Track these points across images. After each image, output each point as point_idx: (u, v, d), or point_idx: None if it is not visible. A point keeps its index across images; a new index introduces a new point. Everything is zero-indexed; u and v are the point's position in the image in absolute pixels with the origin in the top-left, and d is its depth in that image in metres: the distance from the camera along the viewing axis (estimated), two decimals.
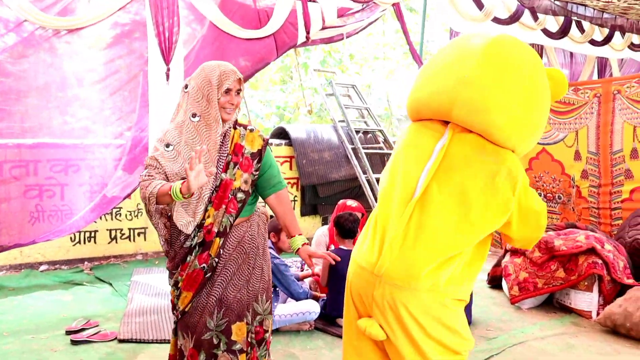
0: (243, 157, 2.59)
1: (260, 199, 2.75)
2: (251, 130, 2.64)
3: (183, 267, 2.59)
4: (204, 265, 2.57)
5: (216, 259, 2.57)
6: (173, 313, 2.69)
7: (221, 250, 2.57)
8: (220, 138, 2.55)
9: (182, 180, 2.32)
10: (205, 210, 2.53)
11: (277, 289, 4.01)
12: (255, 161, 2.60)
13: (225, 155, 2.57)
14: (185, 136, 2.51)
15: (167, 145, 2.51)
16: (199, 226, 2.55)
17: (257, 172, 2.61)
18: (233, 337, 2.59)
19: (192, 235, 2.55)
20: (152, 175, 2.47)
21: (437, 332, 1.99)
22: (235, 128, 2.62)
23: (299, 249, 2.61)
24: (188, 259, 2.57)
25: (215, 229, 2.55)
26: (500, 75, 2.01)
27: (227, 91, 2.52)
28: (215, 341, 2.57)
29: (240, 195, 2.58)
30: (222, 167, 2.55)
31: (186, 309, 2.61)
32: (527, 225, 2.09)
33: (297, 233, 2.65)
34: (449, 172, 2.01)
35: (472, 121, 2.02)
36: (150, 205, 2.43)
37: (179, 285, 2.61)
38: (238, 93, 2.56)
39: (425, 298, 1.98)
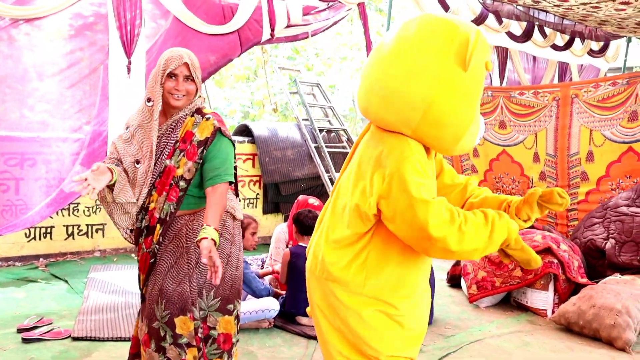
0: (191, 144, 2.54)
1: None
2: (207, 119, 2.57)
3: (139, 248, 2.64)
4: (149, 250, 2.58)
5: (157, 246, 2.55)
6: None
7: (161, 238, 2.56)
8: (170, 125, 2.58)
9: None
10: (150, 194, 2.56)
11: None
12: (200, 150, 2.53)
13: (174, 142, 2.55)
14: (140, 119, 2.56)
15: (126, 127, 2.60)
16: (146, 209, 2.58)
17: (201, 161, 2.54)
18: (177, 331, 2.56)
19: (141, 218, 2.59)
20: (106, 161, 2.55)
21: (338, 324, 2.09)
22: (192, 115, 2.59)
23: (200, 239, 2.34)
24: (140, 240, 2.61)
25: (156, 215, 2.55)
26: (378, 57, 1.98)
27: (173, 76, 2.50)
28: (162, 333, 2.55)
29: (182, 183, 2.54)
30: (168, 153, 2.54)
31: (143, 292, 2.63)
32: (402, 218, 1.87)
33: (209, 224, 2.37)
34: (355, 165, 2.04)
35: (366, 113, 2.05)
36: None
37: (139, 266, 2.67)
38: (187, 79, 2.52)
39: (333, 288, 2.07)
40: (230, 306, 2.66)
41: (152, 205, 2.57)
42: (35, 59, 4.24)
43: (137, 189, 2.54)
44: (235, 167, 2.68)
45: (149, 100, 2.53)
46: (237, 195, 2.84)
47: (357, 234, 2.01)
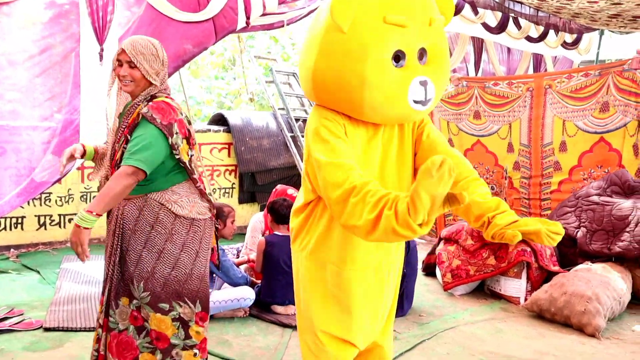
0: (127, 129, 2.58)
1: (162, 189, 2.61)
2: (147, 105, 2.54)
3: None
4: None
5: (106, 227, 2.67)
6: None
7: (108, 217, 2.65)
8: (126, 110, 2.62)
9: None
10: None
11: (214, 275, 3.96)
12: (129, 134, 2.53)
13: (124, 127, 2.57)
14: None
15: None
16: None
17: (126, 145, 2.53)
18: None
19: None
20: None
21: None
22: (145, 102, 2.57)
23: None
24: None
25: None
26: None
27: (119, 62, 2.56)
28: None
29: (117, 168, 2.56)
30: (118, 139, 2.59)
31: None
32: (316, 183, 1.97)
33: (89, 210, 2.31)
34: None
35: None
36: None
37: None
38: (131, 66, 2.53)
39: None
40: (164, 305, 2.57)
41: None
42: (5, 46, 4.13)
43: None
44: (186, 161, 2.59)
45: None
46: (202, 194, 2.74)
47: (305, 203, 2.15)
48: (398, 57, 1.89)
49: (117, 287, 2.59)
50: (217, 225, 3.86)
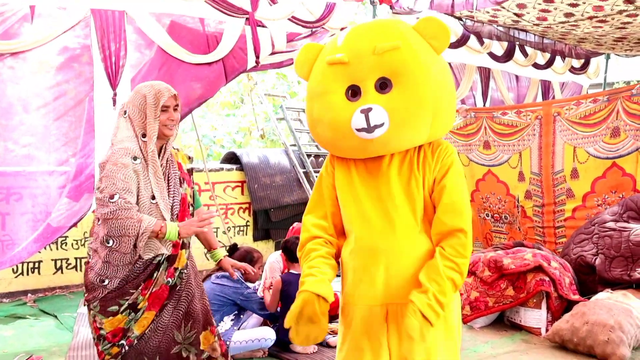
0: (185, 173, 2.76)
1: None
2: (177, 150, 2.81)
3: (147, 285, 2.55)
4: (170, 279, 2.62)
5: (184, 271, 2.68)
6: (118, 345, 2.56)
7: (188, 262, 2.70)
8: (170, 156, 2.70)
9: (177, 224, 2.54)
10: None
11: (241, 315, 3.97)
12: (192, 177, 2.81)
13: (176, 171, 2.70)
14: (142, 155, 2.57)
15: (135, 158, 2.53)
16: None
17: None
18: (201, 347, 2.70)
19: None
20: (129, 202, 2.44)
21: None
22: (174, 149, 2.79)
23: (220, 260, 2.81)
24: (154, 275, 2.56)
25: (180, 242, 2.66)
26: None
27: (166, 108, 2.60)
28: (184, 354, 2.64)
29: (190, 208, 2.76)
30: (179, 182, 2.68)
31: (146, 331, 2.57)
32: None
33: (218, 246, 2.89)
34: None
35: None
36: (141, 242, 2.44)
37: (140, 306, 2.55)
38: (175, 109, 2.66)
39: None
40: None
41: None
42: (20, 92, 4.22)
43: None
44: None
45: (143, 135, 2.58)
46: None
47: None
48: (355, 92, 2.00)
49: (198, 324, 2.75)
50: (250, 271, 3.92)
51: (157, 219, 2.49)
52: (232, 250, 4.05)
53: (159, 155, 2.62)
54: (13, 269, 5.27)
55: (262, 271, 4.20)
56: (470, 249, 2.02)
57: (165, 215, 2.55)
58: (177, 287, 2.66)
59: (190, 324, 2.68)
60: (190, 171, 2.82)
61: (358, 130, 1.95)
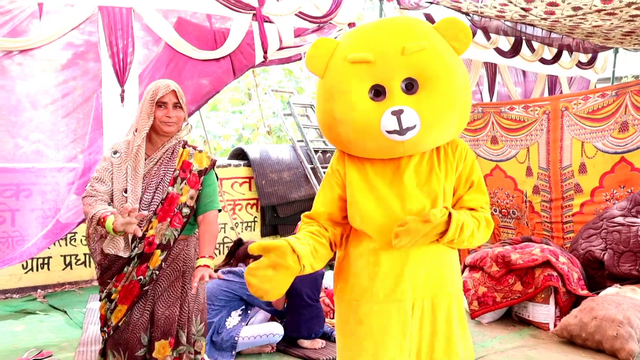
0: (191, 173, 2.68)
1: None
2: (200, 151, 2.75)
3: (118, 278, 2.60)
4: (141, 277, 2.59)
5: (157, 272, 2.60)
6: (103, 330, 2.66)
7: (163, 264, 2.61)
8: (165, 153, 2.66)
9: (115, 215, 2.45)
10: (149, 221, 2.60)
11: (249, 310, 3.97)
12: (202, 178, 2.71)
13: (173, 170, 2.65)
14: (130, 149, 2.62)
15: (115, 152, 2.63)
16: (141, 238, 2.59)
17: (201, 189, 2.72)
18: (154, 354, 2.61)
19: (133, 247, 2.60)
20: (96, 190, 2.56)
21: None
22: (184, 147, 2.72)
23: (200, 266, 2.55)
24: (125, 269, 2.59)
25: (157, 241, 2.60)
26: None
27: (163, 104, 2.59)
28: (148, 357, 2.61)
29: (185, 210, 2.66)
30: (169, 181, 2.63)
31: (119, 324, 2.60)
32: None
33: (205, 255, 2.59)
34: None
35: None
36: (90, 228, 2.52)
37: (113, 297, 2.61)
38: (176, 107, 2.61)
39: None
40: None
41: (150, 232, 2.61)
42: (28, 89, 4.25)
43: (127, 242, 2.61)
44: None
45: (137, 130, 2.62)
46: None
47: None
48: (378, 91, 1.96)
49: (157, 329, 2.65)
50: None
51: (112, 210, 2.48)
52: (237, 245, 4.05)
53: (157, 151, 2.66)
54: (23, 265, 5.31)
55: None
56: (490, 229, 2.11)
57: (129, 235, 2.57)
58: (146, 287, 2.60)
59: (152, 327, 2.63)
60: (204, 172, 2.72)
61: (389, 132, 1.92)
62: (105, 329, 2.65)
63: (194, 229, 2.77)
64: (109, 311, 2.62)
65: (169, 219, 2.61)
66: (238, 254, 3.98)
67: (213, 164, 2.75)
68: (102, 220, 2.44)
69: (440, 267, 2.07)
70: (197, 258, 2.65)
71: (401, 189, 2.04)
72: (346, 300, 2.14)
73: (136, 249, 2.60)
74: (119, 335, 2.61)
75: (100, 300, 2.67)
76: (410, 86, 1.95)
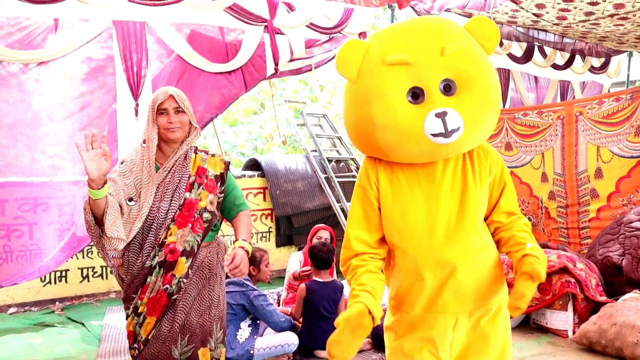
0: (207, 179, 2.67)
1: (220, 230, 2.84)
2: (212, 155, 2.74)
3: (143, 290, 2.57)
4: (167, 286, 2.56)
5: (184, 280, 2.57)
6: (132, 348, 2.62)
7: (189, 271, 2.58)
8: (177, 160, 2.64)
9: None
10: (168, 229, 2.56)
11: (258, 321, 3.95)
12: (219, 183, 2.70)
13: (188, 176, 2.63)
14: (138, 159, 2.62)
15: (122, 162, 2.64)
16: (160, 245, 2.56)
17: (222, 195, 2.71)
18: None
19: (152, 255, 2.56)
20: None
21: None
22: (196, 153, 2.72)
23: (238, 247, 2.55)
24: (148, 280, 2.56)
25: (179, 248, 2.57)
26: None
27: (164, 111, 2.57)
28: None
29: (206, 215, 2.64)
30: (185, 187, 2.61)
31: (149, 337, 2.57)
32: None
33: (242, 238, 2.62)
34: None
35: None
36: (86, 215, 2.46)
37: (140, 310, 2.58)
38: (178, 111, 2.59)
39: None
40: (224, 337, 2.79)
41: (170, 240, 2.57)
42: (45, 103, 4.30)
43: (128, 226, 2.54)
44: None
45: (143, 142, 2.61)
46: None
47: None
48: (416, 94, 1.89)
49: (196, 338, 2.65)
50: (252, 272, 3.90)
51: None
52: None
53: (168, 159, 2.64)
54: (41, 278, 5.36)
55: (270, 269, 4.14)
56: None
57: (132, 218, 2.54)
58: (174, 296, 2.57)
59: (187, 337, 2.59)
60: (220, 177, 2.71)
61: (434, 135, 1.86)
62: (135, 345, 2.61)
63: (215, 236, 2.77)
64: (138, 325, 2.59)
65: (189, 225, 2.58)
66: None
67: (227, 166, 2.74)
68: (86, 203, 2.42)
69: (486, 279, 2.02)
70: (220, 264, 2.73)
71: (437, 195, 2.00)
72: (391, 310, 2.14)
73: (156, 257, 2.55)
74: (147, 351, 2.58)
75: (127, 317, 2.64)
76: (448, 87, 1.90)
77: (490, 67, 1.99)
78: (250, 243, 2.60)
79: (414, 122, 1.87)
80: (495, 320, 2.05)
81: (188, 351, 2.58)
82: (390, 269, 2.15)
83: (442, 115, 1.84)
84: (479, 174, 2.03)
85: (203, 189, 2.64)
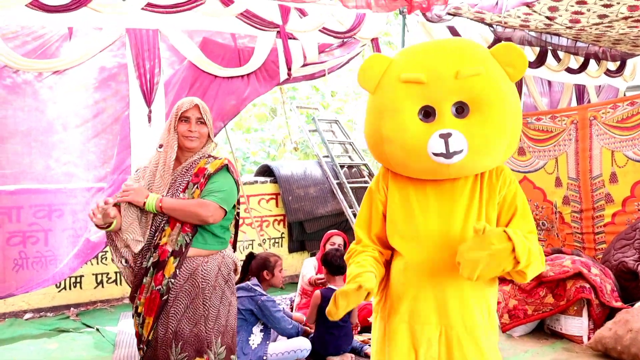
0: (204, 178, 2.66)
1: (229, 247, 2.84)
2: (219, 159, 2.75)
3: (141, 290, 2.63)
4: (160, 287, 2.58)
5: (172, 280, 2.58)
6: (139, 348, 2.67)
7: (177, 271, 2.59)
8: (184, 167, 2.68)
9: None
10: (162, 230, 2.61)
11: (269, 327, 3.95)
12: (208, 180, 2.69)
13: (188, 178, 2.67)
14: (151, 164, 2.68)
15: (136, 170, 2.74)
16: (155, 246, 2.61)
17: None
18: None
19: (148, 256, 2.61)
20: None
21: None
22: (206, 158, 2.74)
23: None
24: (144, 280, 2.61)
25: (169, 248, 2.59)
26: None
27: (186, 119, 2.62)
28: None
29: None
30: (182, 188, 2.64)
31: (150, 338, 2.61)
32: None
33: (161, 199, 2.61)
34: None
35: None
36: (106, 233, 2.64)
37: (139, 310, 2.63)
38: (199, 122, 2.64)
39: None
40: (233, 357, 2.73)
41: (163, 241, 2.62)
42: (59, 110, 4.36)
43: (142, 229, 2.62)
44: (237, 213, 2.84)
45: (160, 146, 2.66)
46: (234, 246, 2.95)
47: None
48: (428, 112, 1.95)
49: (189, 347, 2.61)
50: (265, 276, 3.90)
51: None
52: (249, 259, 4.01)
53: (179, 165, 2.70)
54: (56, 284, 5.40)
55: (283, 275, 4.12)
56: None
57: (143, 222, 2.65)
58: (165, 297, 2.58)
59: (180, 345, 2.58)
60: (213, 173, 2.69)
61: (435, 154, 1.91)
62: (141, 345, 2.67)
63: (215, 245, 2.71)
64: (140, 326, 2.65)
65: (179, 225, 2.61)
66: (251, 268, 3.95)
67: (222, 166, 2.69)
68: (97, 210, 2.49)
69: (475, 301, 2.03)
70: (223, 278, 2.72)
71: (441, 211, 2.03)
72: (380, 315, 2.18)
73: (151, 258, 2.61)
74: (151, 352, 2.62)
75: (133, 317, 2.71)
76: (460, 110, 1.94)
77: (509, 94, 1.98)
78: (160, 204, 2.58)
79: (420, 139, 1.93)
80: (478, 346, 2.04)
81: (182, 359, 2.58)
82: (383, 277, 2.17)
83: (445, 136, 1.88)
84: (488, 193, 2.05)
85: (197, 187, 2.65)
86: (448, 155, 1.89)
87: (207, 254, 2.68)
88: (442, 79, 1.93)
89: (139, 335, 2.67)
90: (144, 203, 2.57)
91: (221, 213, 2.63)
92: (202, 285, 2.63)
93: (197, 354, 2.59)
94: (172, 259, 2.59)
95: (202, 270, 2.64)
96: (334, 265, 4.05)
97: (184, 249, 2.60)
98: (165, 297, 2.58)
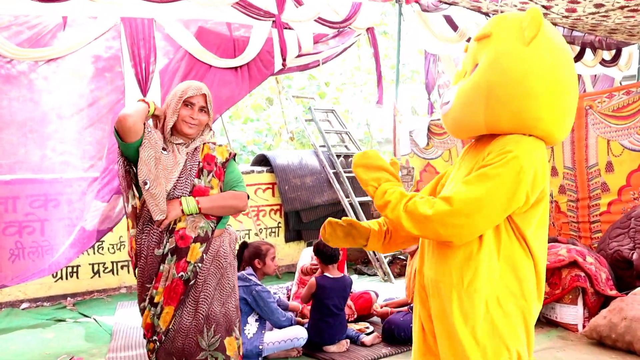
0: (217, 166, 2.68)
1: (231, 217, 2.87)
2: (220, 145, 2.78)
3: (157, 279, 2.55)
4: (182, 273, 2.55)
5: (199, 265, 2.57)
6: (152, 341, 2.60)
7: (204, 255, 2.59)
8: (189, 151, 2.65)
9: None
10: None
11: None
12: (225, 170, 2.74)
13: (197, 163, 2.64)
14: (163, 164, 2.57)
15: (145, 183, 2.52)
16: (170, 232, 2.56)
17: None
18: (228, 352, 2.62)
19: (164, 242, 2.56)
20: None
21: None
22: (207, 144, 2.74)
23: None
24: (161, 268, 2.55)
25: (191, 234, 2.57)
26: None
27: (190, 105, 2.59)
28: None
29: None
30: (194, 174, 2.62)
31: (170, 327, 2.56)
32: None
33: (198, 200, 2.60)
34: None
35: None
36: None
37: (156, 300, 2.56)
38: (202, 110, 2.62)
39: None
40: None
41: (179, 226, 2.57)
42: (54, 100, 4.33)
43: (156, 205, 2.55)
44: None
45: (164, 149, 2.58)
46: None
47: None
48: (466, 72, 2.09)
49: (221, 328, 2.66)
50: (257, 265, 3.91)
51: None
52: (242, 248, 4.00)
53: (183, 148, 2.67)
54: (53, 274, 5.40)
55: (276, 263, 4.09)
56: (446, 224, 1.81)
57: (155, 200, 2.56)
58: (192, 282, 2.57)
59: (213, 328, 2.59)
60: (226, 162, 2.74)
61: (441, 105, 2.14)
62: (155, 337, 2.59)
63: (225, 224, 2.78)
64: (156, 317, 2.57)
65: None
66: (244, 257, 3.95)
67: (231, 156, 2.78)
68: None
69: (450, 255, 1.92)
70: (233, 253, 2.78)
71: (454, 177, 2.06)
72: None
73: (167, 244, 2.56)
74: (171, 344, 2.57)
75: (142, 310, 2.62)
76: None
77: (507, 55, 1.90)
78: (199, 205, 2.58)
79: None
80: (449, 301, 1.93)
81: (215, 342, 2.60)
82: None
83: (444, 89, 2.08)
84: (480, 159, 1.92)
85: (213, 176, 2.67)
86: (442, 105, 2.12)
87: (220, 233, 2.74)
88: (474, 44, 2.07)
89: (152, 327, 2.59)
90: (182, 210, 2.55)
91: (246, 201, 2.77)
92: (225, 265, 2.69)
93: (227, 333, 2.64)
94: (197, 244, 2.58)
95: (223, 251, 2.70)
96: (326, 255, 4.05)
97: (210, 235, 2.63)
98: (192, 283, 2.57)
